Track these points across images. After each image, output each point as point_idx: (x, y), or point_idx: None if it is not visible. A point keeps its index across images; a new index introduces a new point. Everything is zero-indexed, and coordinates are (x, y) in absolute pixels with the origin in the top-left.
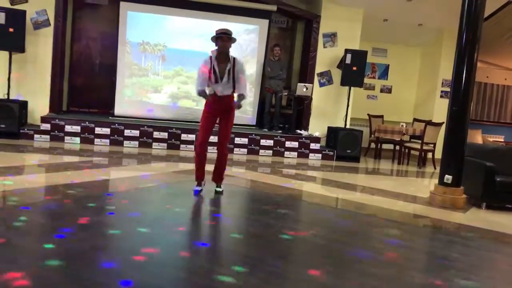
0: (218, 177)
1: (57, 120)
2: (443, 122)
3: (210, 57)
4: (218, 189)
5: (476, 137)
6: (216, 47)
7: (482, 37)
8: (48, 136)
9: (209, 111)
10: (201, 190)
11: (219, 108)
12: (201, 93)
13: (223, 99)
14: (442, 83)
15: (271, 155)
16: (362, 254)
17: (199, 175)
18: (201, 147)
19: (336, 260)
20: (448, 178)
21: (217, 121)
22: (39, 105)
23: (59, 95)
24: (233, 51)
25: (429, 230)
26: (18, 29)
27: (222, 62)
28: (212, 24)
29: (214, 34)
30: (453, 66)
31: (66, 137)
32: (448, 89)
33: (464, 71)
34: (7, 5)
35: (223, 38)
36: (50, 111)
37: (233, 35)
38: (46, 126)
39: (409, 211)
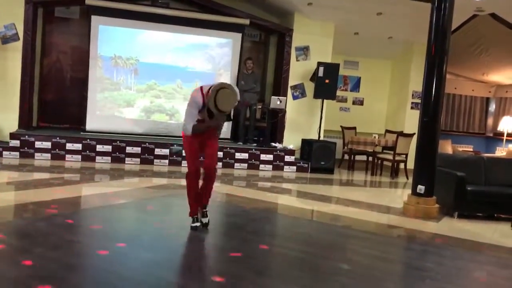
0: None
1: (26, 137)
2: (414, 133)
3: (202, 93)
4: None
5: (446, 147)
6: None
7: (450, 49)
8: (17, 153)
9: (195, 137)
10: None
11: (205, 133)
12: (193, 129)
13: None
14: (413, 94)
15: (246, 168)
16: (338, 266)
17: (196, 210)
18: (195, 175)
19: (313, 273)
20: (420, 188)
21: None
22: (7, 121)
23: (28, 110)
24: (206, 65)
25: (404, 241)
26: None
27: None
28: (185, 38)
29: (215, 102)
30: (423, 78)
31: (36, 154)
32: (418, 101)
33: (434, 83)
34: None
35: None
36: (19, 127)
37: (206, 49)
38: (16, 143)
39: (384, 221)
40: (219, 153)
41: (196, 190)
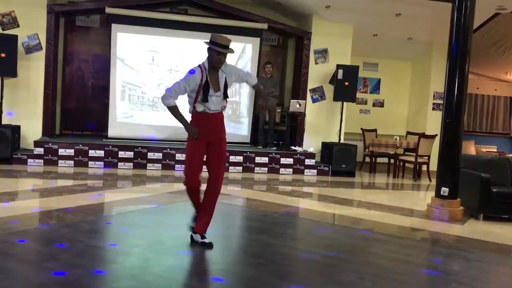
0: (204, 224)
1: (50, 144)
2: (436, 135)
3: (201, 68)
4: (204, 240)
5: (470, 148)
6: (209, 59)
7: (471, 48)
8: (41, 161)
9: (200, 138)
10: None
11: (209, 130)
12: (172, 107)
13: (213, 118)
14: (434, 95)
15: (266, 172)
16: (361, 270)
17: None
18: (193, 181)
19: (336, 277)
20: (444, 190)
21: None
22: (31, 129)
23: (52, 118)
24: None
25: (428, 244)
26: (10, 54)
27: (214, 73)
28: (203, 44)
29: (214, 41)
30: (445, 79)
31: (60, 161)
32: (439, 102)
33: (456, 84)
34: None
35: (224, 54)
36: (43, 135)
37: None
38: (40, 150)
39: (407, 224)
40: (238, 157)
41: (196, 194)
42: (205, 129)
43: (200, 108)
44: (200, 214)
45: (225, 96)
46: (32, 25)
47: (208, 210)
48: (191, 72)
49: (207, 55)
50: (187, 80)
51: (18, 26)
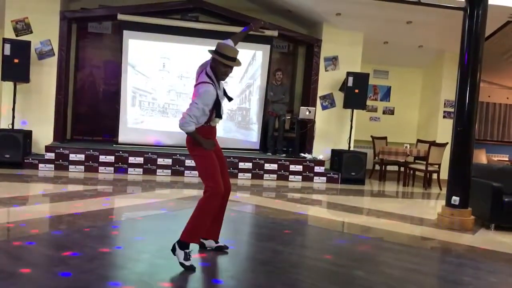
0: (219, 231)
1: (61, 149)
2: (447, 143)
3: (212, 82)
4: (219, 244)
5: (481, 156)
6: (215, 70)
7: (483, 56)
8: (52, 165)
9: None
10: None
11: (214, 138)
12: (195, 134)
13: (215, 128)
14: (445, 103)
15: (275, 179)
16: (371, 279)
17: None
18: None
19: (345, 286)
20: (455, 199)
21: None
22: (43, 134)
23: (63, 124)
24: (235, 76)
25: (439, 253)
26: (23, 59)
27: (218, 83)
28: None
29: (221, 53)
30: (456, 87)
31: (70, 166)
32: (450, 110)
33: (467, 92)
34: (13, 36)
35: (231, 67)
36: (54, 140)
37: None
38: (51, 155)
39: (417, 233)
40: (247, 164)
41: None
42: (213, 139)
43: (215, 122)
44: (213, 221)
45: (229, 99)
46: (45, 31)
47: (221, 217)
48: (205, 88)
49: (212, 65)
50: (204, 101)
51: (31, 32)
